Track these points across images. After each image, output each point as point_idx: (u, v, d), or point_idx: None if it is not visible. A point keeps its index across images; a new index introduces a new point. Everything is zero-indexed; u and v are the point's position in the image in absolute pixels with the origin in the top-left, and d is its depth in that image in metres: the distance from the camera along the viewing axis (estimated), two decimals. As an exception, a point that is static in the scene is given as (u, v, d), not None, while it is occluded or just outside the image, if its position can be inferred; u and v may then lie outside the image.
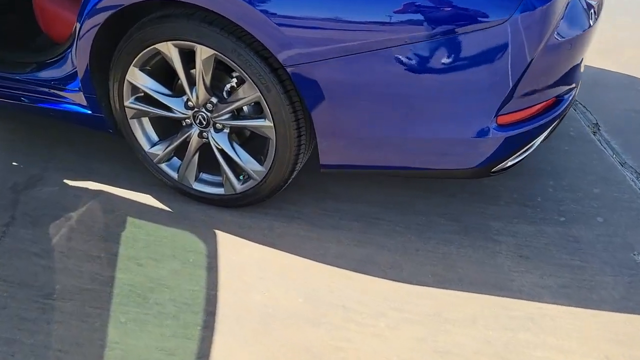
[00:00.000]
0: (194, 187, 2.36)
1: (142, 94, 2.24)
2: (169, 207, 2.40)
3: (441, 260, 2.16)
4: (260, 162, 2.20)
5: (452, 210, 2.41)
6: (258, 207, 2.37)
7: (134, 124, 2.32)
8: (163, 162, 2.37)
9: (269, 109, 2.00)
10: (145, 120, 2.33)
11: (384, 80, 1.82)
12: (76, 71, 2.31)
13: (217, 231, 2.28)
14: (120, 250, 2.17)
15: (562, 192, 2.52)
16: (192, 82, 2.11)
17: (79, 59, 2.20)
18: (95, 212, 2.36)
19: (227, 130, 2.20)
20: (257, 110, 2.21)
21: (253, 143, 2.31)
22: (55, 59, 2.36)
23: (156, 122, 2.35)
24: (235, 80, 2.12)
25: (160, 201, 2.43)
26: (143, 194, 2.47)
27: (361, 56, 1.79)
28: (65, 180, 2.56)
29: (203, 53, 1.99)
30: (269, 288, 2.02)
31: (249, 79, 1.97)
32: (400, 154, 2.00)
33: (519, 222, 2.35)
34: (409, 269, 2.11)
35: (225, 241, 2.23)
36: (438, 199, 2.47)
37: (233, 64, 1.95)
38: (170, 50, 2.04)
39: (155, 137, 2.37)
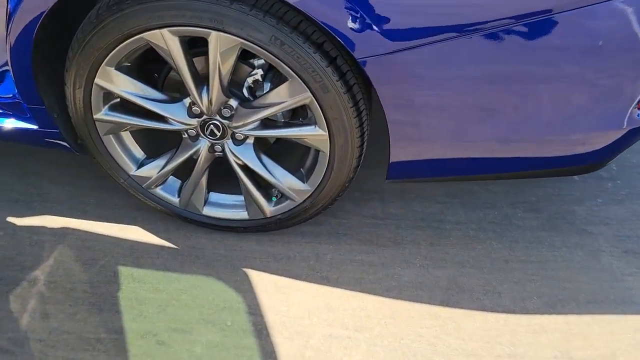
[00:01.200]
0: (203, 212, 1.77)
1: (118, 101, 1.56)
2: (172, 243, 1.79)
3: (539, 271, 1.74)
4: (302, 179, 1.63)
5: (523, 196, 1.97)
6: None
7: (110, 142, 1.64)
8: (157, 186, 1.74)
9: (325, 114, 1.41)
10: (126, 135, 1.65)
11: (502, 68, 1.28)
12: (6, 71, 1.57)
13: (248, 270, 1.72)
14: (125, 324, 1.57)
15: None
16: (197, 81, 1.47)
17: (12, 57, 1.46)
18: (69, 266, 1.71)
19: (251, 141, 1.60)
20: (293, 115, 1.62)
21: (277, 152, 1.73)
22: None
23: (140, 134, 1.69)
24: (259, 72, 1.49)
25: (156, 234, 1.81)
26: (129, 226, 1.83)
27: (471, 39, 1.22)
28: (10, 220, 1.86)
29: (222, 43, 1.33)
30: (349, 351, 1.52)
31: (296, 76, 1.36)
32: (504, 158, 1.50)
33: (603, 202, 1.97)
34: (507, 292, 1.68)
35: (264, 284, 1.68)
36: (500, 184, 2.03)
37: (271, 57, 1.33)
38: (166, 40, 1.36)
39: (141, 155, 1.71)
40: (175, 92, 1.56)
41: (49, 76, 1.54)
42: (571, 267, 1.75)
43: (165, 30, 1.34)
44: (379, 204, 1.94)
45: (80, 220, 1.85)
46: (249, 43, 1.32)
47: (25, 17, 1.37)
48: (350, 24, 1.23)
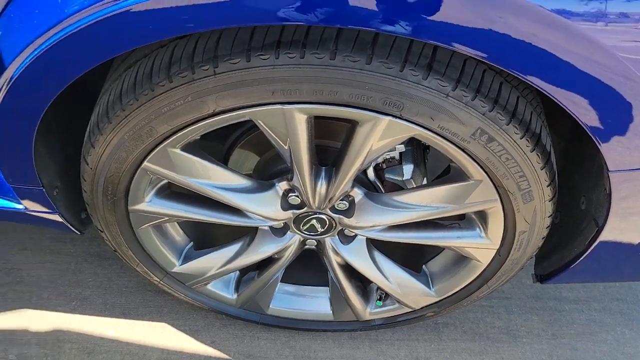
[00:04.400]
0: (268, 312, 1.26)
1: (167, 186, 1.00)
2: (220, 349, 1.27)
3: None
4: (427, 284, 1.16)
5: None
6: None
7: (146, 234, 1.08)
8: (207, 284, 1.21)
9: (507, 225, 0.94)
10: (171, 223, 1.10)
11: None
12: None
13: (334, 392, 1.27)
14: None
15: None
16: (314, 167, 0.94)
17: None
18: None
19: (363, 237, 1.10)
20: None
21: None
22: None
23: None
24: (397, 150, 0.98)
25: (195, 335, 1.27)
26: (153, 324, 1.28)
27: None
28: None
29: (387, 131, 0.81)
30: None
31: (489, 180, 0.87)
32: None
33: None
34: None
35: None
36: None
37: (460, 153, 0.83)
38: (288, 118, 0.82)
39: (185, 242, 1.16)
40: (257, 176, 1.02)
41: (53, 146, 0.94)
42: None
43: (293, 108, 0.79)
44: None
45: (77, 315, 1.28)
46: (431, 134, 0.81)
47: (30, 78, 0.76)
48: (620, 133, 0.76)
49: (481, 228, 1.00)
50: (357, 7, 0.66)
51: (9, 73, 0.74)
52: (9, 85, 0.76)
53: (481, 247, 1.02)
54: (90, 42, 0.69)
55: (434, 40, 0.69)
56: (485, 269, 1.08)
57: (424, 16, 0.66)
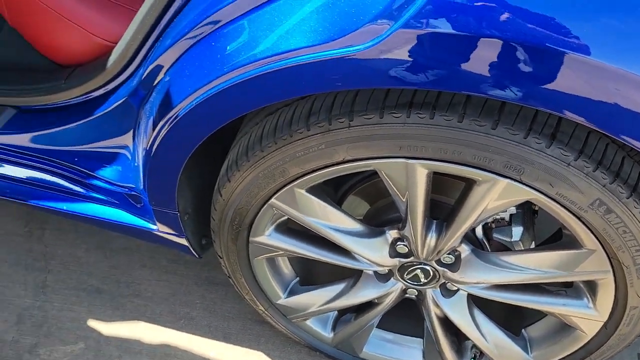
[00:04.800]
0: (361, 355, 1.30)
1: (286, 219, 1.09)
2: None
3: None
4: (526, 349, 1.15)
5: None
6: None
7: (260, 265, 1.17)
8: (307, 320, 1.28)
9: (618, 297, 0.94)
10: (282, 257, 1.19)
11: None
12: (123, 154, 1.09)
13: None
14: None
15: None
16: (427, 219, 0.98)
17: (150, 155, 0.98)
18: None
19: (465, 293, 1.13)
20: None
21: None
22: (70, 116, 1.10)
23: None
24: (506, 214, 1.01)
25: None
26: (251, 352, 1.36)
27: None
28: (92, 325, 1.39)
29: (504, 193, 0.84)
30: None
31: (602, 250, 0.88)
32: None
33: None
34: None
35: None
36: None
37: (575, 221, 0.85)
38: (409, 171, 0.88)
39: (292, 277, 1.23)
40: (366, 222, 1.08)
41: (191, 177, 1.06)
42: None
43: (416, 163, 0.85)
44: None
45: (183, 333, 1.39)
46: (548, 200, 0.84)
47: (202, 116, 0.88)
48: None
49: (589, 298, 1.00)
50: (470, 72, 0.72)
51: (175, 112, 0.86)
52: (173, 123, 0.88)
53: (587, 317, 1.01)
54: (254, 91, 0.80)
55: (545, 108, 0.73)
56: (589, 341, 1.06)
57: (538, 85, 0.71)
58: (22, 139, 1.17)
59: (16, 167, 1.21)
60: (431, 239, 1.00)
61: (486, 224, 1.05)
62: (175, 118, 0.87)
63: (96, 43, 1.11)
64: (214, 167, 1.09)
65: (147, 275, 1.50)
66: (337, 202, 1.17)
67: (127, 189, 1.14)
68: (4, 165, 1.22)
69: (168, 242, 1.26)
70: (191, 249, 1.25)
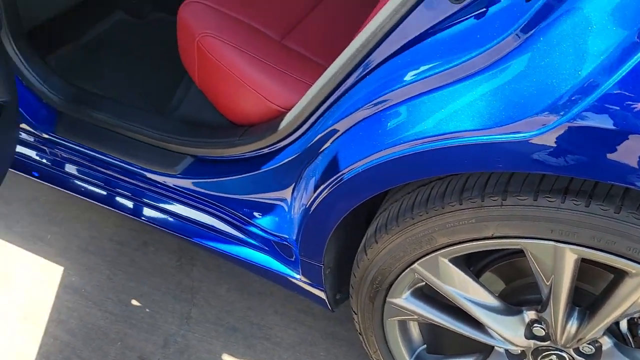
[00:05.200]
0: None
1: (424, 285, 1.14)
2: None
3: None
4: None
5: None
6: None
7: (392, 326, 1.22)
8: (429, 388, 1.29)
9: None
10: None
11: None
12: (281, 206, 1.21)
13: None
14: None
15: None
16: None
17: (310, 216, 1.09)
18: None
19: (599, 384, 1.09)
20: None
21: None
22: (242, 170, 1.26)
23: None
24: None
25: None
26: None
27: None
28: (226, 359, 1.51)
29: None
30: None
31: None
32: None
33: None
34: None
35: None
36: None
37: None
38: (558, 255, 0.91)
39: (419, 343, 1.27)
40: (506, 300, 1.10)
41: (338, 234, 1.16)
42: None
43: (566, 248, 0.88)
44: None
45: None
46: None
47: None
48: None
49: None
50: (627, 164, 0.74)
51: (340, 175, 0.97)
52: (337, 185, 0.98)
53: None
54: (416, 164, 0.88)
55: None
56: None
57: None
58: (196, 184, 1.35)
59: (186, 208, 1.38)
60: (572, 326, 1.00)
61: (632, 318, 1.03)
62: (339, 182, 0.97)
63: (270, 108, 1.27)
64: (358, 228, 1.18)
65: (278, 320, 1.60)
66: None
67: (280, 238, 1.26)
68: (177, 204, 1.40)
69: (305, 291, 1.35)
70: (327, 302, 1.33)
